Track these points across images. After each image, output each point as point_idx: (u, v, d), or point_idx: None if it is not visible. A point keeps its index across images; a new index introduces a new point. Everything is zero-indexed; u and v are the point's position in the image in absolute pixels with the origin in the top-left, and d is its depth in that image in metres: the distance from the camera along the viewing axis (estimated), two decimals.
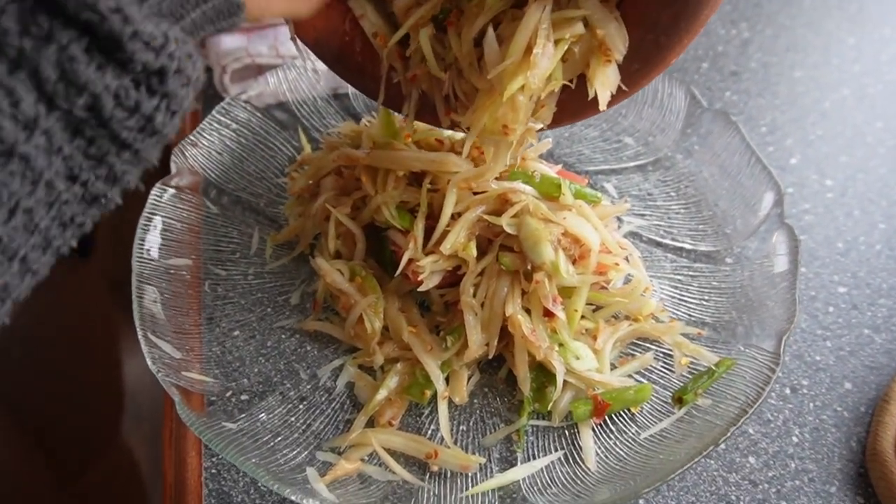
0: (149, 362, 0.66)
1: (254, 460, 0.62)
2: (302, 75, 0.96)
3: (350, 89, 0.97)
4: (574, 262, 0.72)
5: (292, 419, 0.70)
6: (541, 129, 0.64)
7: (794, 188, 0.93)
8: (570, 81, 0.61)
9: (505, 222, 0.70)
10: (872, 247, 0.87)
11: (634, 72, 0.59)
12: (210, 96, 1.00)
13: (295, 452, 0.67)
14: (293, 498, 0.59)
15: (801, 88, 1.07)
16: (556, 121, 0.65)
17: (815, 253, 0.86)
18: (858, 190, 0.93)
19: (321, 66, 0.96)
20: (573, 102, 0.63)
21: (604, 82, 0.59)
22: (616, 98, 0.60)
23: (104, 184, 0.42)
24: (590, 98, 0.59)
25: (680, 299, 0.79)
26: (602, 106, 0.59)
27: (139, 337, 0.68)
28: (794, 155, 0.97)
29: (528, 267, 0.70)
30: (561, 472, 0.66)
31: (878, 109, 1.04)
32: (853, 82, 1.08)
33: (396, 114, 0.73)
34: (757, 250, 0.80)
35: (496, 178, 0.73)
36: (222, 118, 0.89)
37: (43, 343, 1.20)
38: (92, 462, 1.40)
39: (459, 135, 0.79)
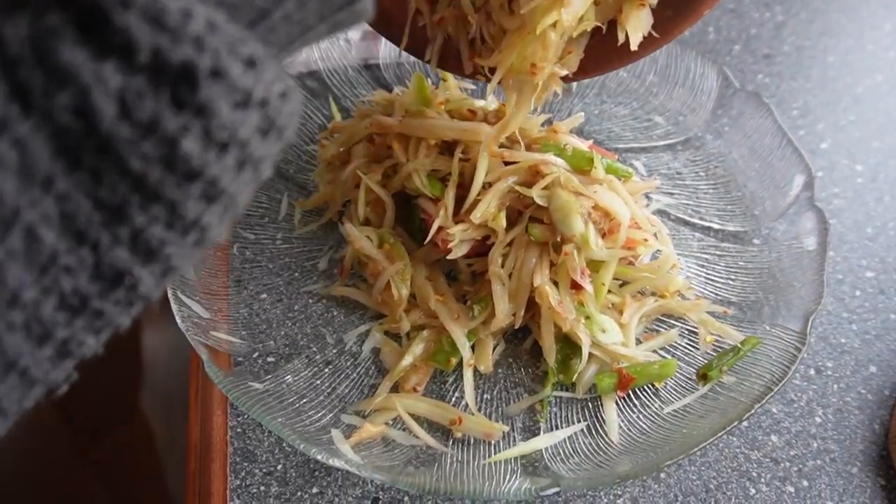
0: (178, 321, 0.67)
1: (280, 420, 0.63)
2: (334, 44, 0.96)
3: (381, 60, 0.97)
4: (603, 236, 0.72)
5: (318, 382, 0.70)
6: (566, 78, 0.64)
7: (824, 172, 0.92)
8: (602, 26, 0.61)
9: (536, 194, 0.70)
10: None
11: (667, 19, 0.60)
12: None
13: (320, 414, 0.67)
14: (319, 457, 0.60)
15: (833, 73, 1.06)
16: (582, 69, 0.65)
17: (843, 237, 0.86)
18: (890, 176, 0.92)
19: (353, 35, 0.97)
20: (601, 50, 0.63)
21: (636, 25, 0.59)
22: (647, 46, 0.61)
23: (127, 252, 0.27)
24: (620, 43, 0.60)
25: (706, 278, 0.79)
26: (633, 46, 0.60)
27: (169, 296, 0.69)
28: (824, 139, 0.96)
29: (558, 239, 0.70)
30: (583, 442, 0.67)
31: None
32: (888, 69, 1.07)
33: (430, 82, 0.74)
34: (785, 232, 0.79)
35: (528, 150, 0.73)
36: None
37: None
38: (109, 430, 1.41)
39: (493, 105, 0.79)
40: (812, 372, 0.74)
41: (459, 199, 0.73)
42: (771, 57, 1.08)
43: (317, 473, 0.66)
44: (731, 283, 0.79)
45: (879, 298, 0.80)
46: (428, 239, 0.72)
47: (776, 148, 0.85)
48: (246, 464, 0.67)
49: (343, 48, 0.97)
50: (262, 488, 0.65)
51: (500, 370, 0.72)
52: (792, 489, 0.67)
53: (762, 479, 0.67)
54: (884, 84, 1.05)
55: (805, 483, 0.67)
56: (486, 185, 0.72)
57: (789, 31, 1.12)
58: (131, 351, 1.34)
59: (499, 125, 0.71)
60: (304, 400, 0.68)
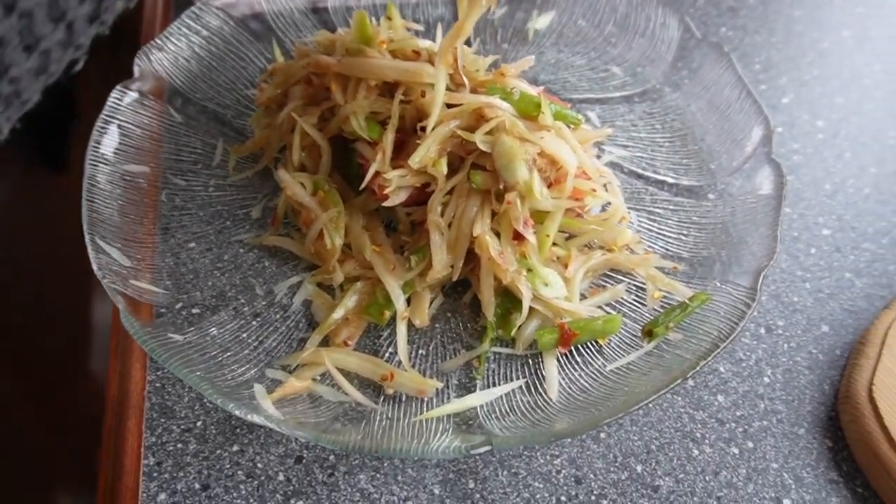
0: (94, 267, 0.63)
1: (199, 373, 0.59)
2: None
3: (330, 3, 0.93)
4: (549, 186, 0.69)
5: (244, 335, 0.67)
6: None
7: (785, 128, 0.89)
8: None
9: (479, 138, 0.66)
10: (861, 190, 0.84)
11: None
12: (182, 2, 0.95)
13: (244, 369, 0.63)
14: (237, 413, 0.56)
15: (799, 27, 1.02)
16: None
17: (801, 194, 0.83)
18: (851, 132, 0.90)
19: None
20: None
21: None
22: None
23: None
24: None
25: (658, 233, 0.76)
26: None
27: (86, 241, 0.65)
28: (787, 94, 0.93)
29: (501, 187, 0.66)
30: (521, 400, 0.64)
31: (879, 52, 1.00)
32: (855, 24, 1.04)
33: (373, 22, 0.69)
34: (741, 187, 0.76)
35: (473, 94, 0.69)
36: (192, 24, 0.84)
37: (16, 262, 1.17)
38: (65, 386, 1.38)
39: (437, 46, 0.75)
40: (762, 331, 0.72)
41: (399, 144, 0.69)
42: (735, 10, 1.04)
43: (238, 431, 0.63)
44: (682, 238, 0.76)
45: (835, 257, 0.78)
46: (363, 185, 0.68)
47: (735, 101, 0.81)
48: (163, 420, 0.63)
49: None
50: (180, 446, 0.62)
51: (437, 325, 0.69)
52: (736, 450, 0.64)
53: (706, 440, 0.64)
54: (850, 39, 1.01)
55: (750, 444, 0.64)
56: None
57: None
58: (83, 309, 1.30)
59: (454, 27, 0.67)
60: (228, 353, 0.64)
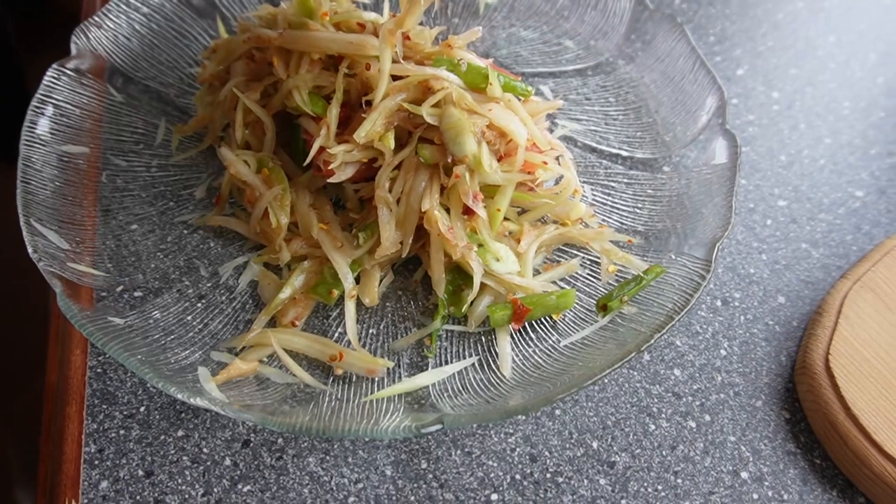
0: (30, 250, 0.61)
1: (139, 357, 0.57)
2: None
3: None
4: (500, 159, 0.67)
5: (188, 318, 0.64)
6: None
7: (739, 99, 0.88)
8: None
9: (425, 111, 0.65)
10: (816, 161, 0.83)
11: None
12: None
13: (188, 352, 0.61)
14: (179, 397, 0.54)
15: None
16: None
17: (756, 165, 0.82)
18: (806, 103, 0.89)
19: None
20: None
21: None
22: None
23: None
24: None
25: (612, 206, 0.75)
26: None
27: (21, 223, 0.62)
28: (741, 65, 0.92)
29: (449, 160, 0.65)
30: (474, 378, 0.62)
31: (833, 23, 0.99)
32: None
33: None
34: (696, 159, 0.75)
35: (418, 64, 0.67)
36: (132, 0, 0.81)
37: None
38: (26, 385, 1.36)
39: (382, 18, 0.73)
40: (719, 303, 0.71)
41: (345, 119, 0.67)
42: None
43: (183, 416, 0.61)
44: (637, 211, 0.74)
45: (791, 227, 0.77)
46: (308, 161, 0.66)
47: (689, 72, 0.80)
48: (105, 406, 0.61)
49: None
50: (122, 432, 0.60)
51: (388, 303, 0.67)
52: (693, 424, 0.63)
53: (663, 415, 0.64)
54: (804, 10, 1.01)
55: (707, 417, 0.64)
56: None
57: None
58: (44, 312, 1.27)
59: (396, 19, 0.65)
60: (172, 337, 0.62)
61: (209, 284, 0.67)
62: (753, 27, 0.97)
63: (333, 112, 0.66)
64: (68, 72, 0.74)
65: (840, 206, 0.79)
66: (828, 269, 0.74)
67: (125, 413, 0.60)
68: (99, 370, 0.63)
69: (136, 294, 0.65)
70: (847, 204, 0.79)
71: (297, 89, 0.67)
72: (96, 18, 0.78)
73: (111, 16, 0.79)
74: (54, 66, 0.73)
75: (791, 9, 1.01)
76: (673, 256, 0.68)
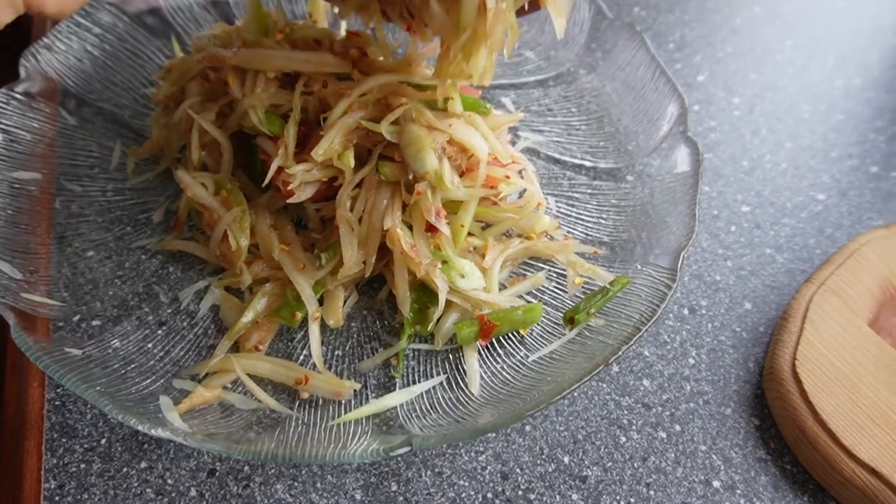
0: None
1: (98, 388, 0.56)
2: None
3: None
4: (462, 175, 0.66)
5: (149, 345, 0.63)
6: None
7: (701, 106, 0.89)
8: None
9: (385, 128, 0.64)
10: (778, 165, 0.83)
11: None
12: None
13: (149, 381, 0.60)
14: (140, 428, 0.53)
15: (711, 5, 1.02)
16: None
17: (719, 171, 0.82)
18: (766, 108, 0.89)
19: None
20: None
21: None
22: None
23: None
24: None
25: (577, 218, 0.75)
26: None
27: None
28: (701, 72, 0.93)
29: (411, 177, 0.64)
30: (442, 397, 0.61)
31: (790, 28, 1.00)
32: (766, 0, 1.04)
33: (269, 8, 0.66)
34: (659, 167, 0.75)
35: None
36: (83, 21, 0.80)
37: None
38: None
39: (340, 34, 0.72)
40: (686, 312, 0.71)
41: (304, 138, 0.67)
42: None
43: (146, 447, 0.59)
44: (602, 221, 0.74)
45: (755, 233, 0.77)
46: (266, 181, 0.65)
47: (650, 80, 0.80)
48: (65, 440, 0.59)
49: None
50: (83, 466, 0.58)
51: (352, 324, 0.66)
52: (664, 434, 0.63)
53: (633, 426, 0.63)
54: (761, 16, 1.01)
55: (678, 427, 0.63)
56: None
57: None
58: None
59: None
60: (132, 366, 0.61)
61: (169, 310, 0.66)
62: (712, 33, 0.98)
63: (291, 131, 0.65)
64: (17, 96, 0.72)
65: (803, 209, 0.79)
66: (793, 274, 0.74)
67: (86, 446, 0.59)
68: (57, 402, 0.61)
69: (94, 323, 0.64)
70: (809, 208, 0.80)
71: (253, 109, 0.66)
72: (46, 40, 0.76)
73: (62, 37, 0.78)
74: (2, 90, 0.71)
75: (748, 14, 1.01)
76: (639, 266, 0.67)
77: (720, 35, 0.98)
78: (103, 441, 0.59)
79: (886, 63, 0.97)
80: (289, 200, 0.65)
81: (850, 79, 0.94)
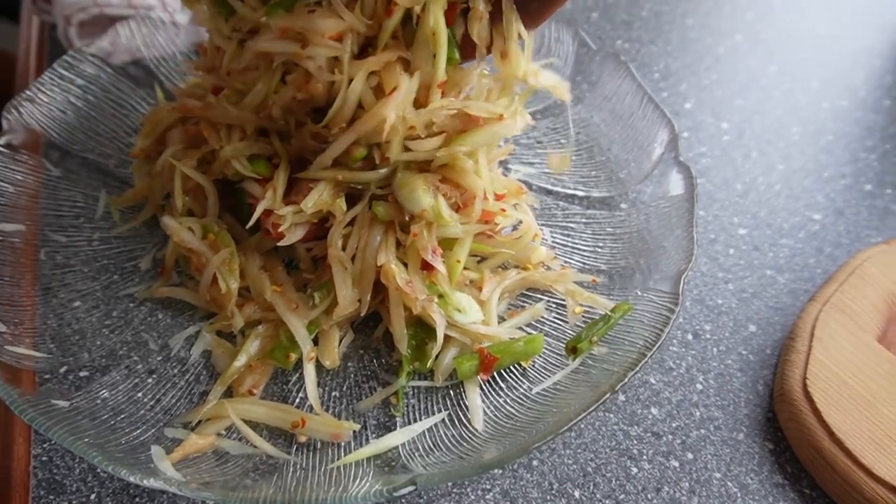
0: None
1: (86, 440, 0.53)
2: (159, 29, 0.87)
3: None
4: (457, 210, 0.65)
5: (139, 395, 0.61)
6: None
7: (690, 132, 0.88)
8: None
9: (373, 178, 0.63)
10: (772, 187, 0.83)
11: (533, 10, 0.61)
12: (56, 52, 0.90)
13: (140, 430, 0.58)
14: (131, 479, 0.50)
15: (693, 35, 1.03)
16: None
17: (713, 195, 0.81)
18: (755, 132, 0.89)
19: (181, 18, 0.88)
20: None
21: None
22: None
23: None
24: None
25: (573, 247, 0.73)
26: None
27: None
28: (688, 99, 0.93)
29: (406, 218, 0.63)
30: (445, 434, 0.59)
31: (772, 54, 1.00)
32: (746, 28, 1.04)
33: None
34: (652, 193, 0.74)
35: None
36: (66, 73, 0.79)
37: None
38: None
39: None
40: (690, 337, 0.69)
41: (290, 179, 0.65)
42: (629, 23, 1.04)
43: (137, 500, 0.57)
44: (599, 250, 0.73)
45: (754, 255, 0.76)
46: (251, 223, 0.64)
47: (637, 108, 0.80)
48: (52, 497, 0.57)
49: (170, 33, 0.88)
50: None
51: (349, 363, 0.64)
52: (676, 463, 0.61)
53: (644, 456, 0.61)
54: (743, 44, 1.02)
55: (690, 455, 0.61)
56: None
57: None
58: None
59: None
60: (122, 416, 0.59)
61: (159, 358, 0.64)
62: (696, 62, 0.98)
63: (281, 177, 0.64)
64: (0, 149, 0.71)
65: (800, 229, 0.79)
66: (795, 294, 0.73)
67: (74, 502, 0.56)
68: (44, 458, 0.58)
69: (81, 374, 0.62)
70: (807, 227, 0.79)
71: (235, 159, 0.65)
72: (29, 92, 0.75)
73: (45, 89, 0.77)
74: None
75: (730, 43, 1.02)
76: (639, 293, 0.66)
77: (704, 63, 0.98)
78: (93, 496, 0.57)
79: (871, 84, 0.97)
80: (279, 243, 0.63)
81: (837, 100, 0.95)
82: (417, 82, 0.61)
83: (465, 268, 0.67)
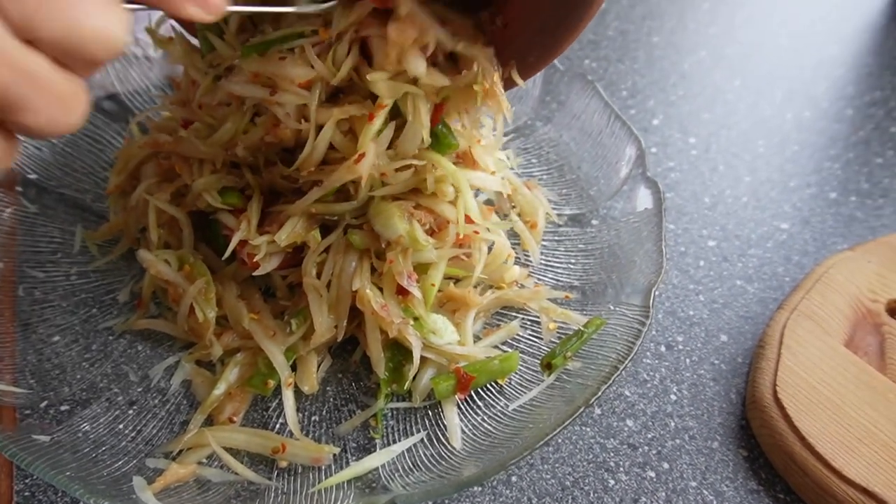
0: None
1: (68, 474, 0.54)
2: (132, 63, 0.88)
3: None
4: (431, 234, 0.66)
5: (120, 426, 0.61)
6: None
7: (658, 147, 0.90)
8: None
9: (347, 210, 0.64)
10: (739, 199, 0.84)
11: (531, 63, 0.62)
12: None
13: (121, 462, 0.58)
14: None
15: (659, 53, 1.05)
16: None
17: (682, 209, 0.83)
18: (722, 145, 0.91)
19: (154, 53, 0.89)
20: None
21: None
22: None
23: None
24: None
25: (546, 264, 0.75)
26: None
27: None
28: (656, 116, 0.94)
29: (383, 245, 0.64)
30: (424, 454, 0.60)
31: (736, 68, 1.03)
32: (710, 45, 1.07)
33: None
34: (622, 209, 0.76)
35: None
36: None
37: None
38: None
39: None
40: (663, 349, 0.70)
41: (263, 208, 0.66)
42: (596, 42, 1.06)
43: None
44: (571, 266, 0.74)
45: (723, 266, 0.77)
46: (227, 254, 0.64)
47: (605, 126, 0.81)
48: None
49: (143, 67, 0.89)
50: None
51: (328, 388, 0.65)
52: (653, 474, 0.62)
53: (621, 468, 0.62)
54: (707, 59, 1.04)
55: (666, 465, 0.62)
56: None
57: (612, 17, 1.11)
58: None
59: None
60: (103, 448, 0.59)
61: (140, 389, 0.64)
62: (662, 79, 1.00)
63: (254, 207, 0.65)
64: None
65: (768, 239, 0.80)
66: (765, 303, 0.74)
67: None
68: (27, 493, 0.59)
69: (62, 408, 0.62)
70: (774, 237, 0.80)
71: (207, 192, 0.66)
72: None
73: None
74: None
75: (695, 59, 1.04)
76: (611, 307, 0.67)
77: (670, 80, 1.00)
78: None
79: (833, 94, 0.99)
80: (255, 273, 0.64)
81: (800, 111, 0.97)
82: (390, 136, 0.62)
83: (439, 290, 0.68)
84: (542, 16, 0.57)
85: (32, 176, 0.77)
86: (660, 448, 0.63)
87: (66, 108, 0.39)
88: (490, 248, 0.72)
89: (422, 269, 0.66)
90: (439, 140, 0.63)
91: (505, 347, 0.68)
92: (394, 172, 0.62)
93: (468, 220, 0.68)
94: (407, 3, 0.56)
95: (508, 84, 0.63)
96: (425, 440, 0.61)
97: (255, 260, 0.64)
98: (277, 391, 0.63)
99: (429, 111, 0.61)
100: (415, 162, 0.62)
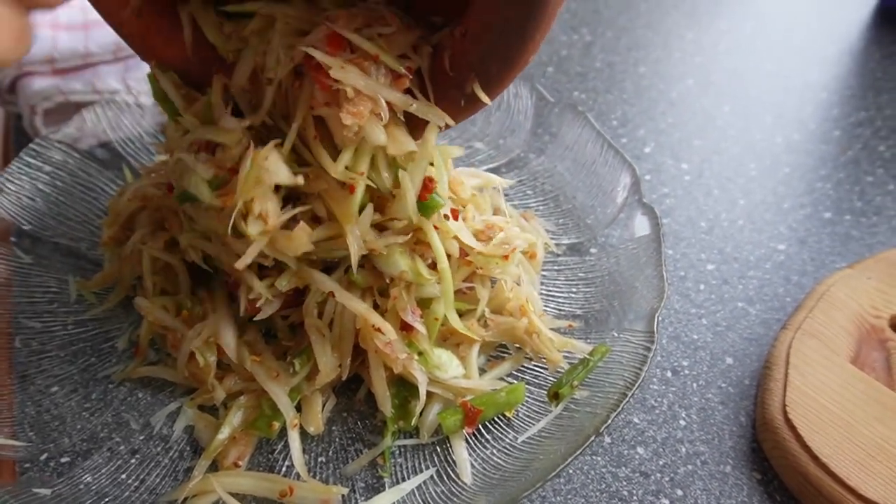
0: None
1: None
2: (124, 111, 0.88)
3: None
4: (434, 268, 0.66)
5: (122, 476, 0.60)
6: None
7: (652, 174, 0.90)
8: None
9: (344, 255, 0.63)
10: (735, 222, 0.85)
11: (494, 75, 0.56)
12: (23, 142, 0.90)
13: None
14: None
15: (646, 82, 1.05)
16: None
17: (679, 234, 0.83)
18: (714, 170, 0.91)
19: (145, 100, 0.89)
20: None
21: None
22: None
23: None
24: None
25: (547, 294, 0.74)
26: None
27: None
28: (647, 144, 0.95)
29: (387, 281, 0.63)
30: (434, 490, 0.59)
31: (724, 95, 1.03)
32: (696, 72, 1.08)
33: None
34: (620, 236, 0.76)
35: None
36: (33, 160, 0.80)
37: None
38: None
39: None
40: (669, 374, 0.70)
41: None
42: (584, 74, 1.07)
43: None
44: (573, 295, 0.74)
45: (724, 289, 0.77)
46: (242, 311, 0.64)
47: (599, 155, 0.82)
48: None
49: (135, 114, 0.89)
50: None
51: (334, 427, 0.64)
52: (667, 501, 0.61)
53: (634, 497, 0.61)
54: (695, 87, 1.05)
55: (679, 492, 0.61)
56: None
57: (599, 49, 1.12)
58: None
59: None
60: (106, 500, 0.58)
61: (142, 437, 0.63)
62: (651, 107, 1.01)
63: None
64: None
65: (766, 261, 0.80)
66: (768, 324, 0.74)
67: None
68: None
69: (62, 460, 0.61)
70: (772, 258, 0.81)
71: (192, 249, 0.65)
72: None
73: (12, 178, 0.77)
74: None
75: (682, 87, 1.05)
76: (615, 334, 0.67)
77: (660, 108, 1.01)
78: None
79: (819, 116, 1.00)
80: (256, 317, 0.63)
81: (790, 134, 0.97)
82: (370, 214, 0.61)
83: (442, 324, 0.67)
84: (501, 19, 0.53)
85: (27, 227, 0.76)
86: (672, 475, 0.63)
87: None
88: (493, 283, 0.72)
89: (425, 303, 0.65)
90: (426, 205, 0.62)
91: (510, 379, 0.68)
92: (383, 246, 0.62)
93: (462, 254, 0.68)
94: (350, 82, 0.55)
95: (472, 101, 0.58)
96: (435, 476, 0.60)
97: (257, 305, 0.63)
98: (282, 433, 0.62)
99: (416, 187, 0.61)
100: (399, 239, 0.62)
